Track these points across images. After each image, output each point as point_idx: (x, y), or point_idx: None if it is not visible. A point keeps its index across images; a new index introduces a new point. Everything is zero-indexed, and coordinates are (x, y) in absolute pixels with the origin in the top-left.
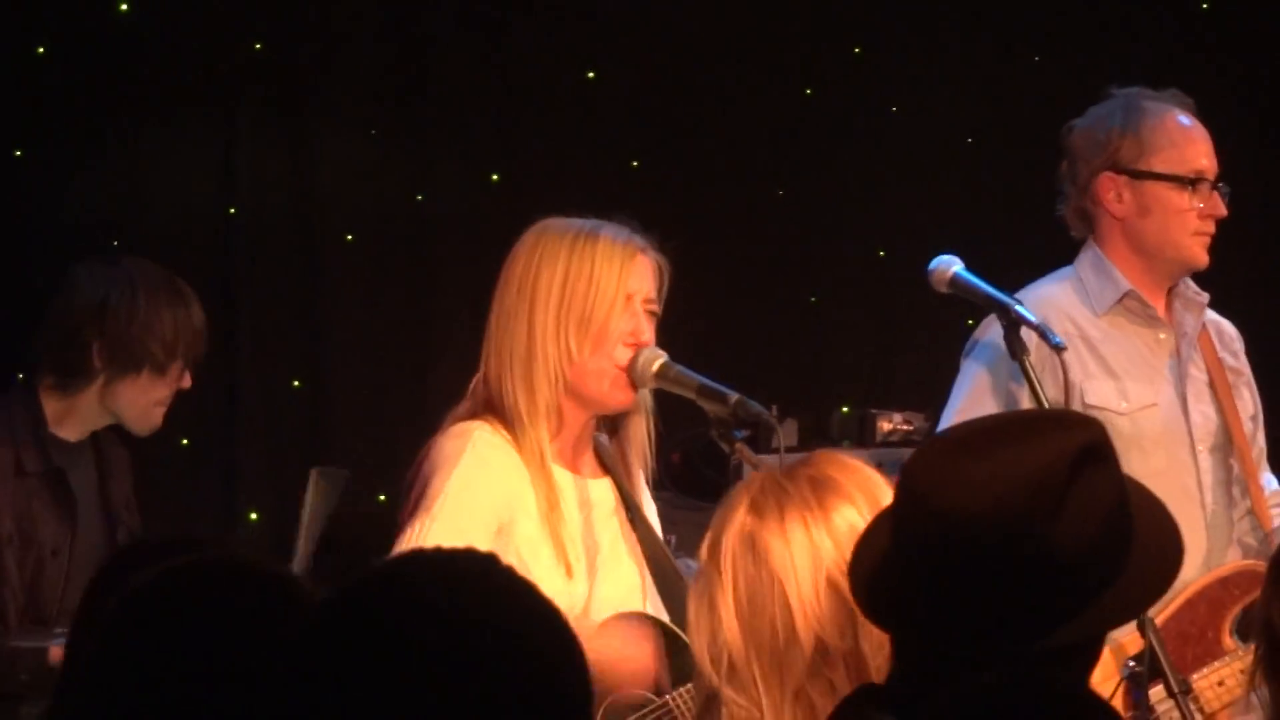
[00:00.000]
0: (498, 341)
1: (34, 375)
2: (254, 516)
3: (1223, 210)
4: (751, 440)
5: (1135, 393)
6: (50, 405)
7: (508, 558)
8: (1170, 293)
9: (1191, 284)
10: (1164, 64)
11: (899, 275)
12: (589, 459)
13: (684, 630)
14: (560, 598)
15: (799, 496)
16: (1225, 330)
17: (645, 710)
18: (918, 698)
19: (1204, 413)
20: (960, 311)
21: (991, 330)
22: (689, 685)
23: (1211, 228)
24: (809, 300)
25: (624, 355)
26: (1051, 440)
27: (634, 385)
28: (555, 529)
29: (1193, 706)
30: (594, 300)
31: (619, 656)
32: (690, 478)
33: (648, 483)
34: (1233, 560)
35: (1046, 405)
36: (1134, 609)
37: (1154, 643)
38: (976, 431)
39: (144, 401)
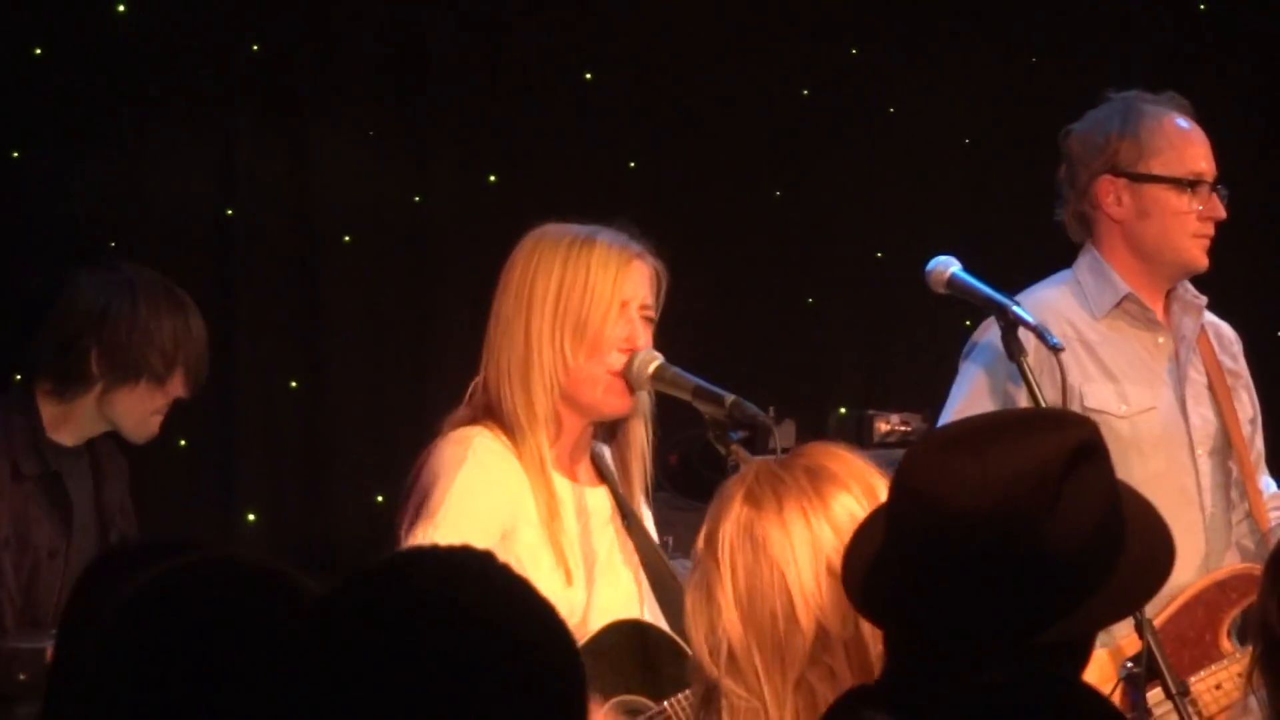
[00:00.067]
0: (496, 348)
1: (32, 380)
2: (251, 517)
3: (1222, 212)
4: (749, 441)
5: (1134, 396)
6: (47, 410)
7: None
8: (1169, 296)
9: (1190, 287)
10: (1162, 65)
11: (897, 276)
12: (586, 467)
13: (681, 636)
14: (560, 604)
15: (796, 486)
16: (1224, 333)
17: (642, 717)
18: (912, 695)
19: (1203, 416)
20: (958, 312)
21: (990, 332)
22: (686, 692)
23: (1211, 230)
24: (806, 301)
25: (618, 361)
26: (1046, 438)
27: (630, 390)
28: (555, 536)
29: (1190, 709)
30: (589, 307)
31: None
32: (688, 479)
33: (647, 489)
34: (1231, 563)
35: (1044, 406)
36: (1126, 607)
37: (1152, 644)
38: (972, 429)
39: (141, 410)
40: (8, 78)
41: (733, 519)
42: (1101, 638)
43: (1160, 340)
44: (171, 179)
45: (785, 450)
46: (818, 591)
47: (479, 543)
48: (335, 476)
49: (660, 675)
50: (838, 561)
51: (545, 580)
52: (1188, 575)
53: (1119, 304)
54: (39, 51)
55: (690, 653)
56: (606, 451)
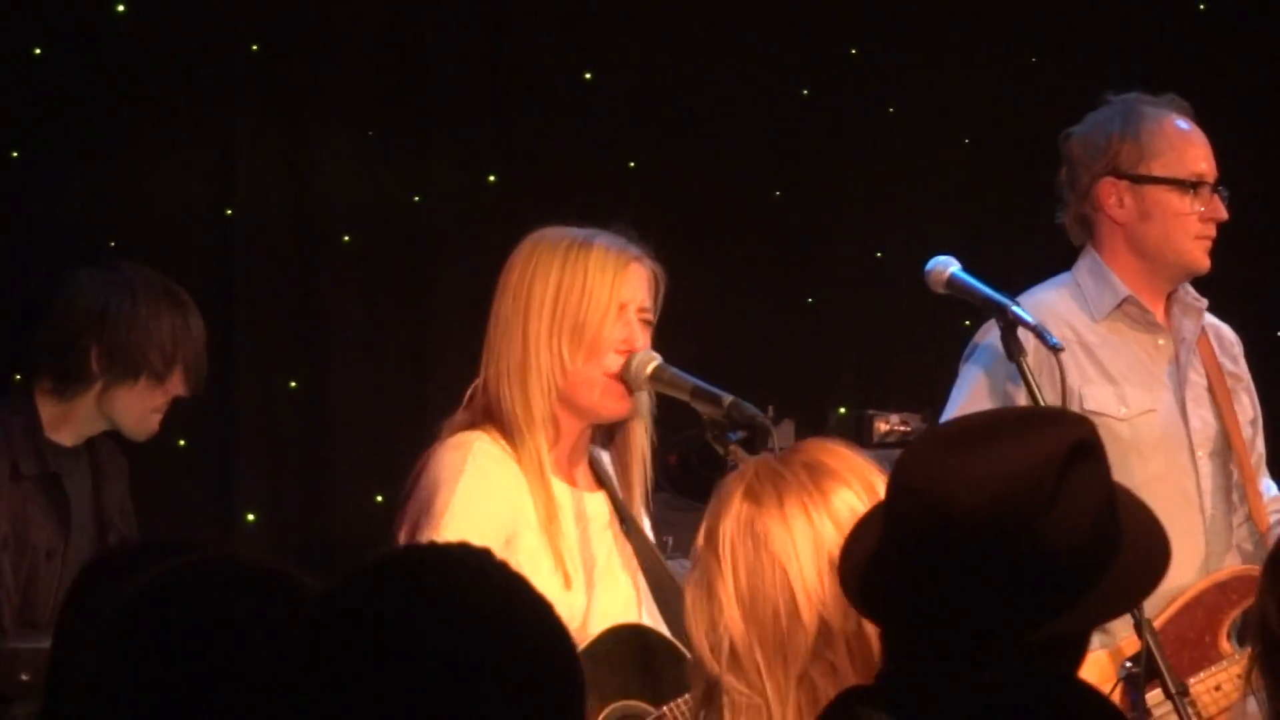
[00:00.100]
0: (494, 350)
1: (31, 379)
2: (251, 518)
3: (1224, 213)
4: (747, 442)
5: (1134, 398)
6: (46, 409)
7: None
8: (1169, 298)
9: (1190, 289)
10: (1161, 65)
11: (896, 276)
12: (584, 471)
13: (681, 640)
14: (559, 608)
15: (796, 481)
16: (1225, 335)
17: None
18: (909, 694)
19: (1203, 418)
20: (958, 312)
21: (990, 334)
22: (686, 696)
23: (1212, 231)
24: (806, 301)
25: (616, 363)
26: (1044, 436)
27: (628, 393)
28: (554, 540)
29: (1190, 710)
30: (587, 309)
31: None
32: (686, 479)
33: (647, 493)
34: (1231, 565)
35: (1042, 405)
36: (1122, 605)
37: (1151, 644)
38: (969, 427)
39: (141, 409)
40: (7, 77)
41: (733, 515)
42: (1101, 638)
43: (1160, 342)
44: (171, 179)
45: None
46: (820, 587)
47: None
48: (335, 476)
49: (660, 680)
50: (839, 556)
51: (544, 585)
52: (1188, 578)
53: (1119, 306)
54: (38, 51)
55: (690, 654)
56: (605, 456)
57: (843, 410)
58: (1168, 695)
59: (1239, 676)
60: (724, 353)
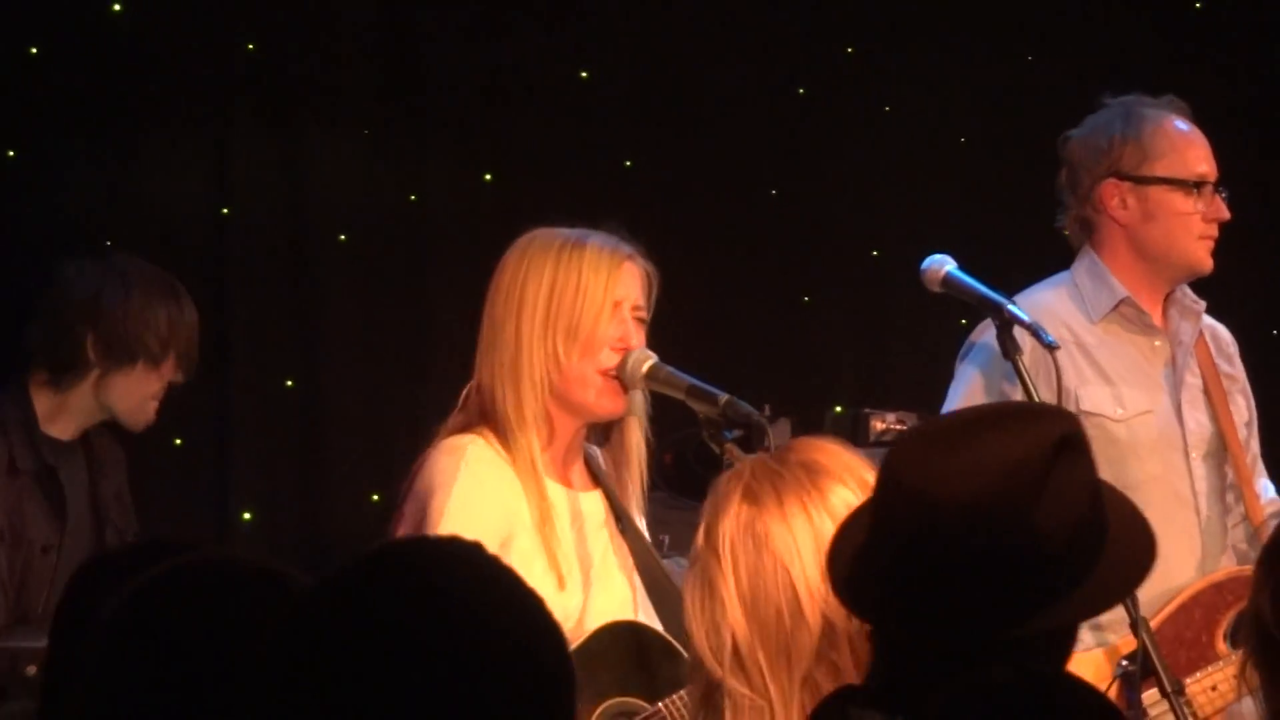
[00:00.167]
0: (488, 351)
1: (26, 372)
2: (247, 516)
3: (1225, 213)
4: (743, 440)
5: (1130, 399)
6: (42, 402)
7: None
8: (1167, 300)
9: (1189, 291)
10: (1158, 64)
11: (892, 275)
12: (580, 470)
13: (677, 638)
14: (554, 609)
15: (794, 480)
16: (1221, 336)
17: (638, 719)
18: (901, 693)
19: (1198, 419)
20: (954, 311)
21: (986, 333)
22: (682, 693)
23: (1215, 231)
24: (802, 300)
25: (611, 359)
26: (1030, 431)
27: (623, 390)
28: (548, 541)
29: (1186, 710)
30: (581, 308)
31: None
32: (682, 478)
33: (642, 490)
34: (1226, 566)
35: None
36: (1110, 598)
37: (1147, 642)
38: (955, 423)
39: (138, 395)
40: (4, 77)
41: (732, 516)
42: (1097, 637)
43: (1157, 344)
44: (168, 178)
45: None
46: (822, 585)
47: None
48: (331, 475)
49: (655, 676)
50: None
51: (539, 585)
52: (1184, 579)
53: (1116, 307)
54: (35, 50)
55: (688, 653)
56: (600, 454)
57: (839, 409)
58: (1164, 694)
59: (1235, 677)
60: (720, 351)
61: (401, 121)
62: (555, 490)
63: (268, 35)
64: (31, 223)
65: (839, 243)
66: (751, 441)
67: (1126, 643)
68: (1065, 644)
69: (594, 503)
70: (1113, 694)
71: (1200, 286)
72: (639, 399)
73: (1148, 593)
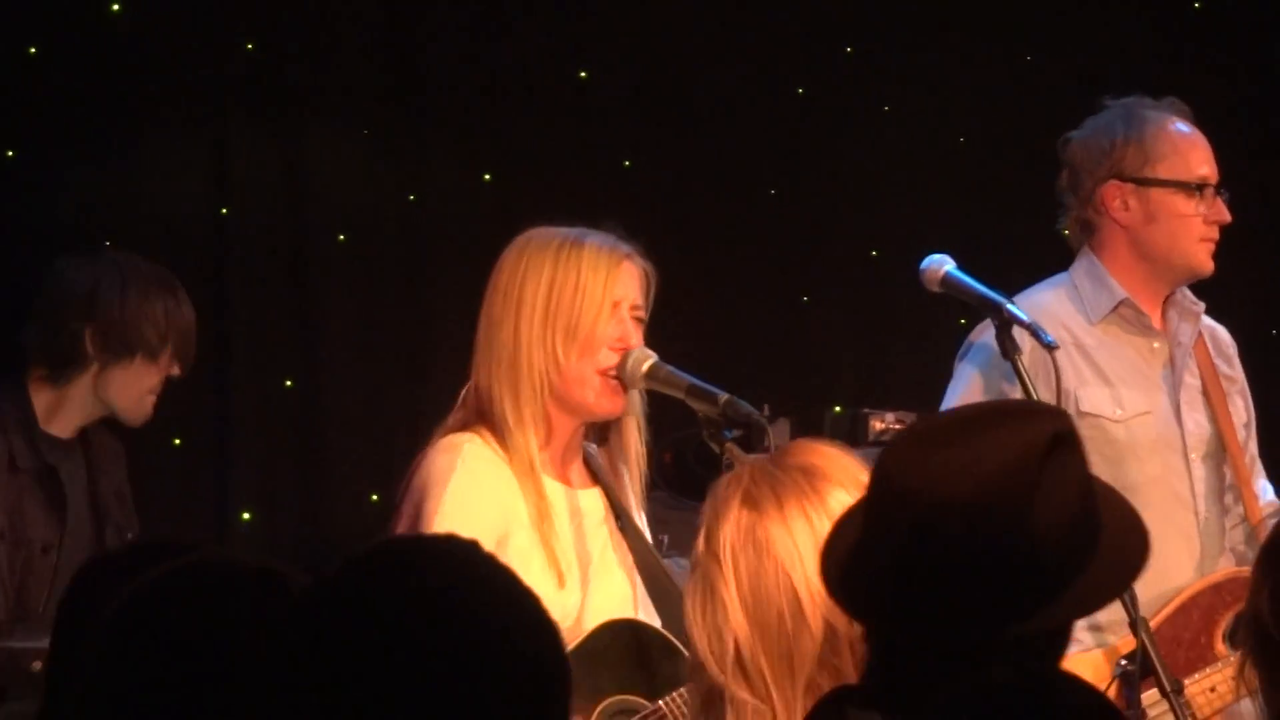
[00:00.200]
0: (485, 351)
1: (24, 370)
2: (246, 516)
3: (1227, 216)
4: (743, 440)
5: (1129, 400)
6: (41, 399)
7: None
8: (1166, 301)
9: (1188, 293)
10: (1156, 64)
11: (891, 275)
12: (578, 468)
13: (677, 636)
14: (553, 607)
15: (793, 485)
16: (1220, 337)
17: (637, 717)
18: (897, 692)
19: (1197, 420)
20: (953, 311)
21: (985, 333)
22: (681, 690)
23: (1215, 234)
24: (801, 300)
25: (610, 359)
26: (1023, 429)
27: (623, 390)
28: (546, 539)
29: (1185, 711)
30: (580, 307)
31: None
32: (682, 477)
33: (642, 488)
34: (1225, 567)
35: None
36: (1105, 595)
37: (1146, 641)
38: (948, 422)
39: (137, 389)
40: (3, 77)
41: (732, 521)
42: (1097, 638)
43: (1156, 345)
44: (167, 178)
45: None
46: (824, 590)
47: None
48: (330, 475)
49: (655, 674)
50: None
51: (537, 583)
52: (1182, 580)
53: (1115, 309)
54: (34, 50)
55: (689, 656)
56: (598, 453)
57: (838, 409)
58: (1163, 693)
59: (1234, 678)
60: (719, 351)
61: (401, 121)
62: (554, 488)
63: (267, 35)
64: (30, 223)
65: (838, 242)
66: (751, 441)
67: (1126, 643)
68: (1060, 643)
69: (593, 500)
70: (1112, 694)
71: (1199, 287)
72: (635, 398)
73: (1146, 594)
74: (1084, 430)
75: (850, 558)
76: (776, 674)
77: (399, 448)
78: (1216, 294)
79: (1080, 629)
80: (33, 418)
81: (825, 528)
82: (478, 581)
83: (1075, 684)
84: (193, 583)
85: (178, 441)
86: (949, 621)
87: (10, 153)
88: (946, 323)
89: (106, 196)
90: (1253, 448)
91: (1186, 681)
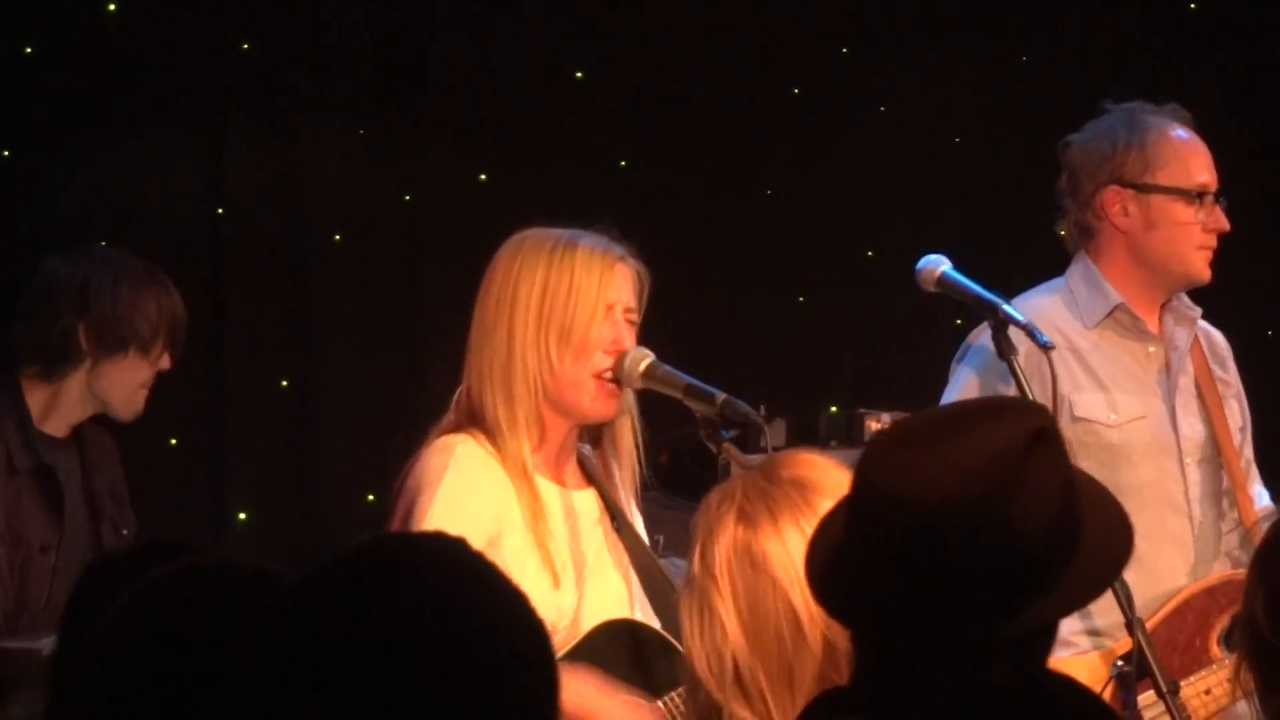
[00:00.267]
0: (478, 353)
1: (16, 369)
2: (242, 516)
3: (1225, 224)
4: (740, 440)
5: (1124, 405)
6: (35, 398)
7: None
8: (1163, 307)
9: (1185, 298)
10: (1153, 64)
11: (887, 275)
12: (573, 469)
13: (674, 635)
14: (548, 608)
15: (787, 499)
16: (1216, 341)
17: None
18: (886, 696)
19: (1192, 425)
20: (949, 311)
21: (983, 335)
22: (680, 689)
23: (1214, 242)
24: (797, 300)
25: (604, 361)
26: (1003, 426)
27: (617, 393)
28: (541, 539)
29: (1180, 712)
30: (574, 310)
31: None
32: (679, 478)
33: (636, 488)
34: (1220, 571)
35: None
36: (1092, 590)
37: (1142, 641)
38: (928, 422)
39: (131, 383)
40: None
41: (728, 539)
42: (1095, 641)
43: (1151, 350)
44: (162, 178)
45: (776, 450)
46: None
47: None
48: (326, 475)
49: (653, 674)
50: None
51: (532, 584)
52: (1176, 584)
53: (1110, 314)
54: (29, 50)
55: (685, 674)
56: (592, 453)
57: (834, 409)
58: (1159, 694)
59: (1228, 681)
60: (716, 351)
61: (397, 122)
62: (548, 489)
63: (263, 35)
64: (27, 223)
65: (835, 243)
66: (748, 441)
67: (1122, 646)
68: (1046, 642)
69: (588, 501)
70: (1108, 695)
71: (1196, 289)
72: (629, 397)
73: (1141, 598)
74: (1079, 435)
75: (833, 562)
76: (776, 692)
77: (395, 448)
78: (1213, 295)
79: (1078, 634)
80: (28, 417)
81: None
82: (463, 578)
83: (1069, 685)
84: (190, 585)
85: (173, 442)
86: (933, 623)
87: (6, 153)
88: (943, 323)
89: (103, 197)
90: (1248, 452)
91: (1181, 684)
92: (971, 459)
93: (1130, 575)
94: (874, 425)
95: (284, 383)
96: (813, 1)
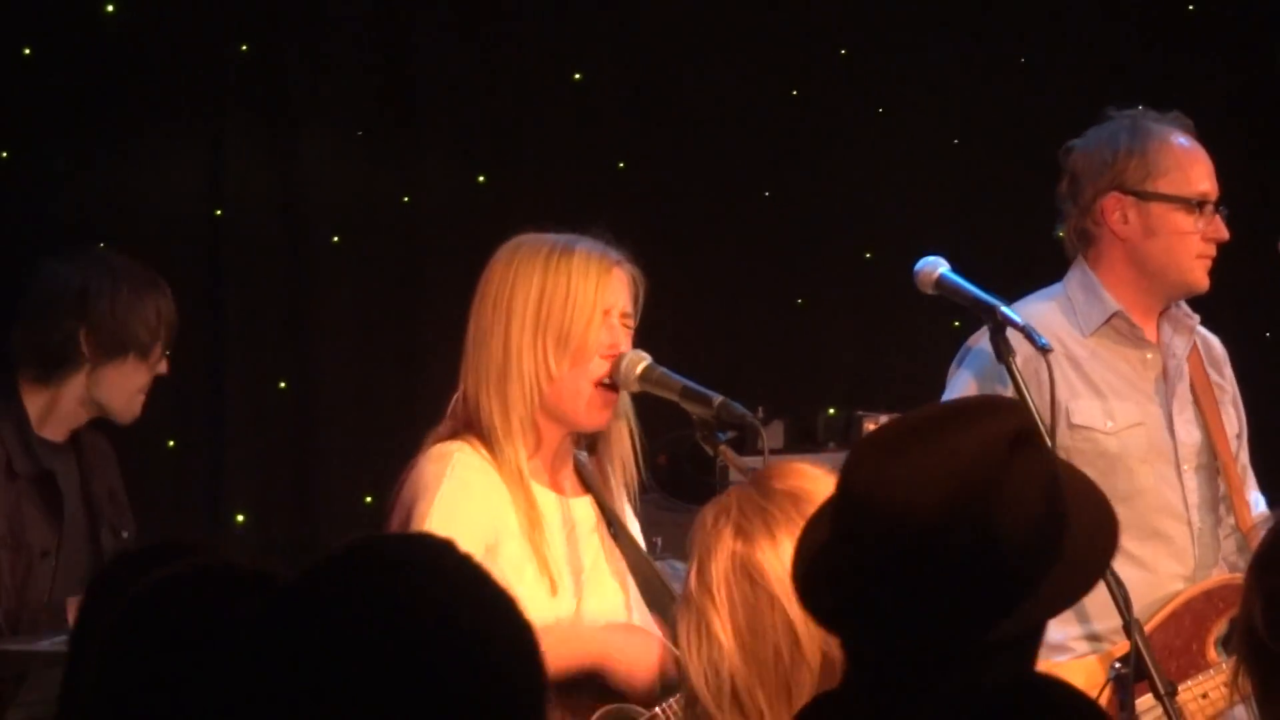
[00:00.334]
0: (474, 359)
1: (14, 373)
2: (240, 518)
3: (1225, 234)
4: (737, 442)
5: (1121, 412)
6: (34, 403)
7: None
8: (1161, 314)
9: (1183, 305)
10: (1150, 66)
11: (885, 277)
12: (569, 476)
13: (672, 641)
14: (546, 615)
15: (784, 514)
16: (1212, 346)
17: None
18: (879, 699)
19: (1189, 431)
20: (947, 313)
21: (981, 339)
22: (678, 696)
23: (1213, 251)
24: (795, 302)
25: (601, 368)
26: (984, 427)
27: (612, 402)
28: (538, 547)
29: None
30: (571, 315)
31: (626, 652)
32: (676, 480)
33: (632, 493)
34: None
35: (1034, 407)
36: (1080, 589)
37: (1140, 643)
38: (909, 425)
39: (130, 387)
40: None
41: (725, 554)
42: (1094, 646)
43: (1148, 357)
44: (161, 179)
45: (774, 452)
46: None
47: None
48: (324, 477)
49: None
50: None
51: (529, 591)
52: (1174, 590)
53: (1108, 321)
54: (28, 51)
55: (682, 688)
56: (588, 460)
57: (832, 411)
58: (1157, 696)
59: (1225, 685)
60: (713, 353)
61: (395, 123)
62: (545, 496)
63: (261, 36)
64: (26, 224)
65: (832, 245)
66: (745, 443)
67: (1120, 649)
68: (1033, 644)
69: (584, 508)
70: (1106, 698)
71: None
72: (625, 400)
73: (1139, 603)
74: (1076, 443)
75: (819, 567)
76: (774, 708)
77: (393, 449)
78: (1211, 297)
79: (1077, 639)
80: (26, 422)
81: None
82: (451, 580)
83: (1063, 688)
84: (189, 587)
85: (172, 444)
86: (921, 627)
87: (4, 153)
88: (940, 325)
89: (101, 198)
90: (1244, 457)
91: (1179, 688)
92: (954, 461)
93: (1130, 580)
94: (872, 427)
95: (282, 384)
96: (812, 3)
